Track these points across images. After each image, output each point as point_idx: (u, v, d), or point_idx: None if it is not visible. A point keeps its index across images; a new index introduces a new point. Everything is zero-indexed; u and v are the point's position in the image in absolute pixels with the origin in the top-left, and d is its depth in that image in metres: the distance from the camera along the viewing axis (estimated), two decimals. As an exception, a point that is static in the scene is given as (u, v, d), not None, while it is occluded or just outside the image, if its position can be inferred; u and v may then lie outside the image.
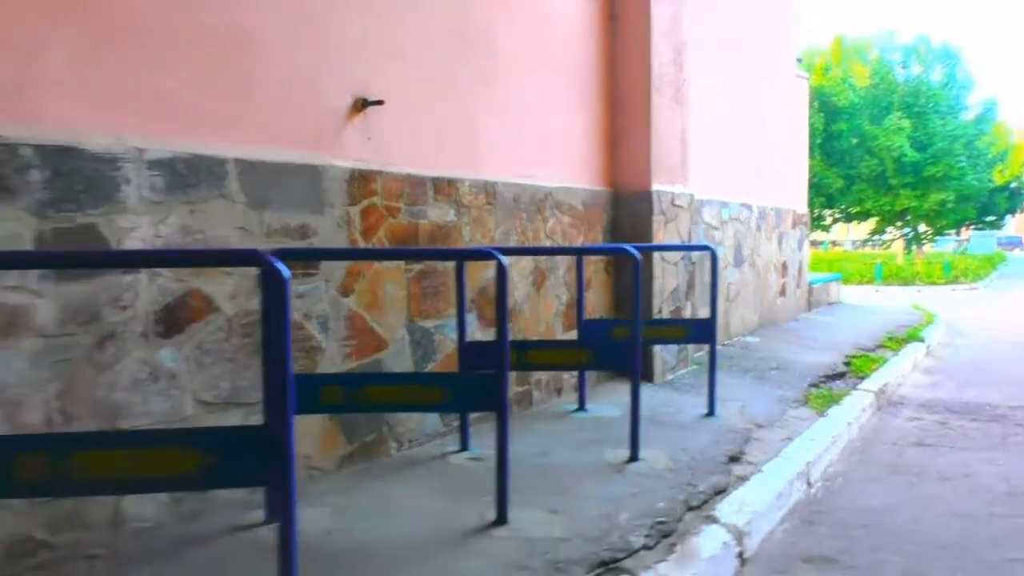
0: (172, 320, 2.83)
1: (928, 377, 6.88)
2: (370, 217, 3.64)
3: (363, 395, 2.95)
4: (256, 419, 3.04)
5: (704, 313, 6.48)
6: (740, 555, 3.09)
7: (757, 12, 8.69)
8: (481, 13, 4.40)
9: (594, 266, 5.45)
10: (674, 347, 5.95)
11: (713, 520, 3.17)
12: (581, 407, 4.83)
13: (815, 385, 5.85)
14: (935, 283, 19.73)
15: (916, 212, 29.46)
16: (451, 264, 4.05)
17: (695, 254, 6.34)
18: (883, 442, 4.80)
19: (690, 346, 6.24)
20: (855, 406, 5.29)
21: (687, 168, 6.18)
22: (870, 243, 38.67)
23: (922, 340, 8.35)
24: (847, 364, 6.70)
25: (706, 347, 6.55)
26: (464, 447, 3.90)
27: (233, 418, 3.02)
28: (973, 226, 39.68)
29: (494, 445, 3.88)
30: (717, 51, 7.37)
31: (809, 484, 3.95)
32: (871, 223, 32.89)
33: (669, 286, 5.94)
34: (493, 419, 4.24)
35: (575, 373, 5.07)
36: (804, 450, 4.19)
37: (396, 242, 3.79)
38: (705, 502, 3.36)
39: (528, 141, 4.81)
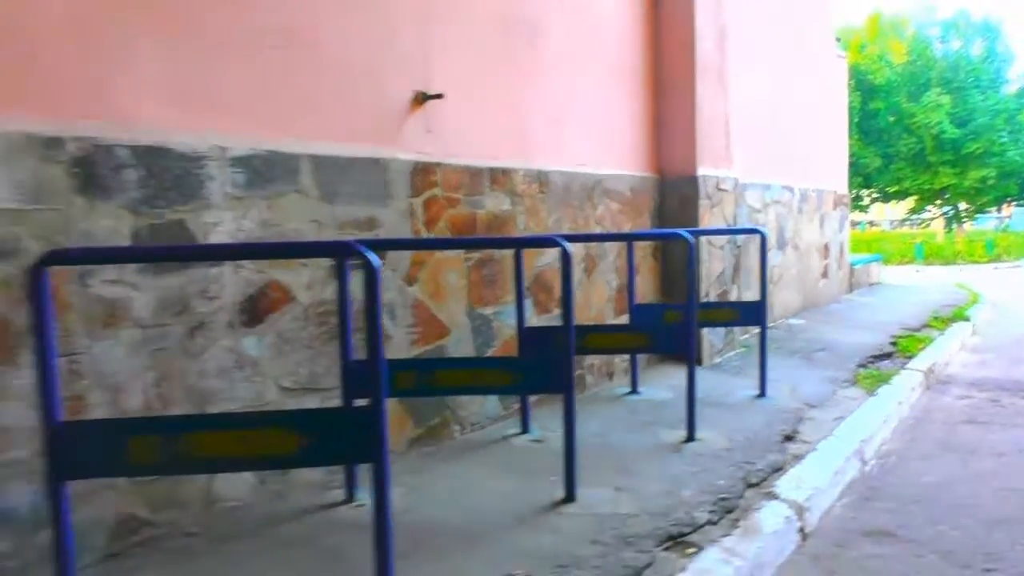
0: (254, 310, 2.97)
1: (976, 356, 6.87)
2: (432, 208, 3.76)
3: (434, 379, 3.08)
4: (332, 404, 3.18)
5: (748, 296, 6.54)
6: (801, 530, 3.17)
7: (796, -7, 8.65)
8: (527, 4, 4.48)
9: (641, 252, 5.53)
10: (721, 330, 6.02)
11: (773, 496, 3.26)
12: (633, 390, 4.92)
13: (863, 365, 5.88)
14: (977, 262, 19.45)
15: (956, 190, 28.99)
16: (508, 252, 4.17)
17: (740, 237, 6.39)
18: (934, 420, 4.83)
19: (736, 329, 6.30)
20: (904, 385, 5.32)
21: (731, 152, 6.22)
22: (908, 223, 38.11)
23: (968, 319, 8.30)
24: (894, 344, 6.70)
25: (751, 330, 6.64)
26: (525, 430, 4.02)
27: (310, 403, 3.17)
28: (1015, 203, 38.90)
29: (553, 428, 4.02)
30: (757, 32, 7.38)
31: (863, 462, 4.01)
32: (909, 202, 32.44)
33: (716, 270, 6.00)
34: (550, 403, 4.38)
35: (625, 357, 5.17)
36: (857, 429, 4.25)
37: (456, 232, 3.91)
38: (764, 479, 3.45)
39: (577, 129, 4.90)
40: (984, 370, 6.22)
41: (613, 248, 5.19)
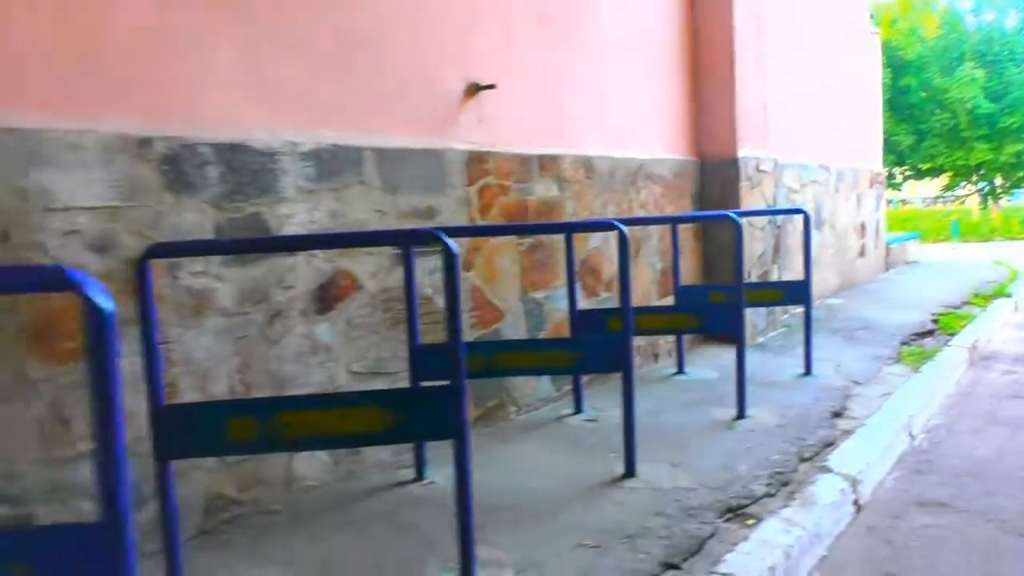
0: (325, 298, 3.11)
1: (1019, 332, 6.87)
2: (486, 196, 3.87)
3: (498, 361, 3.20)
4: (398, 387, 3.32)
5: (788, 276, 6.60)
6: (855, 502, 3.26)
7: (830, -29, 8.62)
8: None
9: (683, 234, 5.60)
10: (763, 311, 6.08)
11: (827, 470, 3.35)
12: (680, 370, 5.02)
13: (906, 343, 5.92)
14: (1015, 238, 19.19)
15: (992, 165, 28.50)
16: (557, 238, 4.27)
17: (779, 218, 6.44)
18: (980, 396, 4.88)
19: (777, 309, 6.36)
20: (949, 362, 5.37)
21: (769, 133, 6.26)
22: (941, 200, 37.56)
23: (1009, 295, 8.28)
24: (935, 322, 6.72)
25: (791, 311, 6.70)
26: (578, 410, 4.13)
27: (378, 386, 3.30)
28: (1052, 177, 38.15)
29: (605, 408, 4.14)
30: (793, 11, 7.38)
31: (912, 436, 4.08)
32: (943, 179, 31.96)
33: (756, 250, 6.06)
34: (600, 384, 4.50)
35: (668, 339, 5.26)
36: (904, 404, 4.32)
37: (507, 218, 4.02)
38: (816, 454, 3.54)
39: (619, 115, 4.98)
40: (1028, 346, 6.24)
41: (656, 231, 5.27)
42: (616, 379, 4.12)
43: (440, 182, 3.63)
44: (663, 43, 5.48)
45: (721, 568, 2.49)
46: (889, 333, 6.27)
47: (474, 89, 3.82)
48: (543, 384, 4.26)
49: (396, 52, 3.46)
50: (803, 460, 3.45)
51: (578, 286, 4.53)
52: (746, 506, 2.96)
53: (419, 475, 3.20)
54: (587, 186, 4.61)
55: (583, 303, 4.56)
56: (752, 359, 5.37)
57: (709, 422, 3.97)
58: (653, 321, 4.14)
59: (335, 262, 3.14)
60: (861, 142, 9.76)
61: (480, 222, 3.84)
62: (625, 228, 3.07)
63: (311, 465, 3.06)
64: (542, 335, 4.28)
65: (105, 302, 1.33)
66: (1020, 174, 29.90)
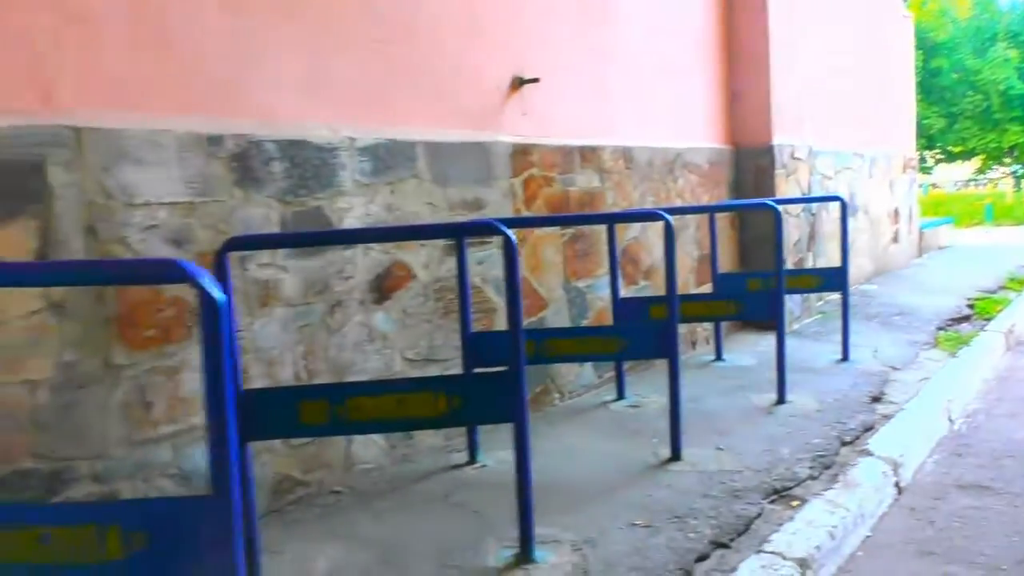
0: (381, 288, 3.23)
1: (1056, 317, 6.85)
2: (530, 187, 3.97)
3: (547, 348, 3.31)
4: (451, 374, 3.43)
5: (823, 263, 6.63)
6: (896, 484, 3.34)
7: (863, -44, 8.58)
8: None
9: (720, 222, 5.66)
10: (799, 297, 6.12)
11: (868, 453, 3.43)
12: (718, 357, 5.10)
13: (942, 328, 5.95)
14: (1049, 222, 18.92)
15: (1025, 147, 28.12)
16: (598, 228, 4.37)
17: (814, 205, 6.47)
18: (1018, 380, 4.92)
19: (812, 296, 6.41)
20: (985, 347, 5.40)
21: (803, 119, 6.29)
22: (973, 183, 37.05)
23: (1046, 280, 8.24)
24: (971, 307, 6.73)
25: (826, 297, 6.73)
26: (620, 396, 4.23)
27: (432, 373, 3.42)
28: (1087, 159, 37.47)
29: (646, 394, 4.23)
30: None
31: (951, 420, 4.14)
32: (975, 162, 31.56)
33: (792, 238, 6.11)
34: (641, 371, 4.59)
35: (707, 326, 5.33)
36: (942, 389, 4.37)
37: (551, 209, 4.12)
38: (857, 438, 3.61)
39: (656, 105, 5.05)
40: (1066, 331, 6.23)
41: (693, 220, 5.34)
42: (656, 366, 4.23)
43: (487, 174, 3.73)
44: (699, 32, 5.53)
45: (768, 547, 2.58)
46: (925, 319, 6.29)
47: (519, 83, 3.92)
48: (586, 371, 4.36)
49: (446, 48, 3.56)
50: (844, 444, 3.53)
51: (619, 275, 4.63)
52: (791, 488, 3.05)
53: (472, 458, 3.33)
54: (626, 176, 4.69)
55: (623, 291, 4.65)
56: (790, 345, 5.38)
57: (750, 407, 4.06)
58: (694, 308, 4.22)
59: (391, 253, 3.26)
60: (894, 127, 9.71)
61: (524, 213, 3.94)
62: (671, 218, 3.16)
63: (368, 449, 3.19)
64: (585, 323, 4.38)
65: (217, 293, 1.45)
66: (1055, 156, 29.42)
